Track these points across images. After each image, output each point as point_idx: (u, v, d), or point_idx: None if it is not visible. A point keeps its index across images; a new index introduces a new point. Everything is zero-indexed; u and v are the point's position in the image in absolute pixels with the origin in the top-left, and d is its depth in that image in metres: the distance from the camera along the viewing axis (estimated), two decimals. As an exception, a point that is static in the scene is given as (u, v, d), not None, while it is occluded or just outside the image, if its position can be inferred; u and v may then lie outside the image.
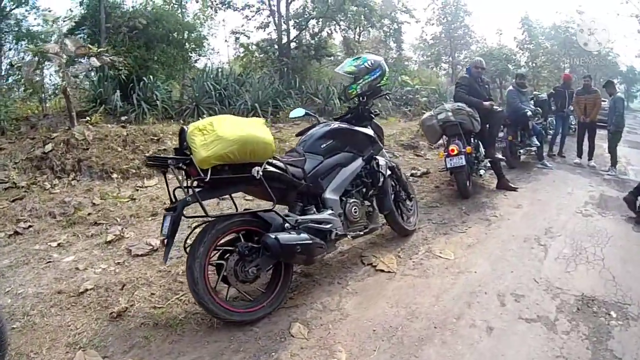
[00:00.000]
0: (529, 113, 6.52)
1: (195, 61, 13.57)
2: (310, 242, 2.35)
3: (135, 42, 10.25)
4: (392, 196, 3.40)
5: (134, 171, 5.52)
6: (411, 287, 2.75)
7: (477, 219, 4.11)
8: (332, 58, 19.39)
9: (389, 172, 3.35)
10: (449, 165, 4.56)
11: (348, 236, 2.91)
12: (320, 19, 14.48)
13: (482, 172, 5.00)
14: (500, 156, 5.36)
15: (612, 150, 6.94)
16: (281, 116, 10.08)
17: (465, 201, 4.65)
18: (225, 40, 23.70)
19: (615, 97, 6.91)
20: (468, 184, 4.77)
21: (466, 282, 2.83)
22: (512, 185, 5.26)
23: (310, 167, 2.67)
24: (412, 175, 5.55)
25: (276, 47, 14.29)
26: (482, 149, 5.23)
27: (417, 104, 11.43)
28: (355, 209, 2.91)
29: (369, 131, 3.17)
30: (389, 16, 16.27)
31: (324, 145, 2.82)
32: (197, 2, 15.09)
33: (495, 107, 5.14)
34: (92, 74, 9.44)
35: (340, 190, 2.85)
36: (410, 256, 3.24)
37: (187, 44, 12.24)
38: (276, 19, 14.06)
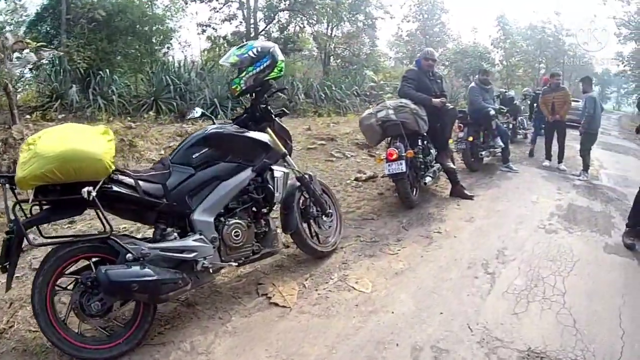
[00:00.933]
0: (492, 112, 5.95)
1: (164, 54, 13.16)
2: (154, 278, 1.90)
3: (97, 34, 9.88)
4: (300, 213, 2.77)
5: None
6: (303, 331, 2.15)
7: (416, 236, 3.45)
8: (306, 52, 18.69)
9: (297, 184, 2.78)
10: (386, 172, 3.90)
11: (225, 266, 2.33)
12: (289, 12, 13.92)
13: (427, 179, 4.26)
14: (451, 165, 4.62)
15: (584, 153, 6.43)
16: (239, 112, 9.50)
17: (408, 212, 3.99)
18: (198, 33, 23.09)
19: (587, 96, 6.40)
20: (414, 192, 4.13)
21: (376, 327, 2.19)
22: (468, 193, 4.61)
23: (175, 182, 2.16)
24: (356, 179, 4.88)
25: (244, 40, 13.72)
26: (433, 152, 4.58)
27: (381, 100, 10.98)
28: (236, 231, 2.31)
29: (263, 136, 2.54)
30: (362, 11, 15.78)
31: (197, 154, 2.26)
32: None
33: (447, 104, 4.49)
34: (49, 67, 9.01)
35: (216, 209, 2.29)
36: (318, 286, 2.59)
37: (154, 36, 11.83)
38: (244, 11, 13.50)
